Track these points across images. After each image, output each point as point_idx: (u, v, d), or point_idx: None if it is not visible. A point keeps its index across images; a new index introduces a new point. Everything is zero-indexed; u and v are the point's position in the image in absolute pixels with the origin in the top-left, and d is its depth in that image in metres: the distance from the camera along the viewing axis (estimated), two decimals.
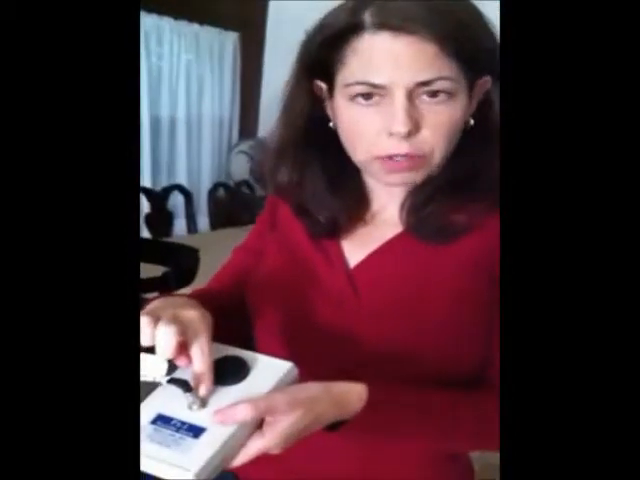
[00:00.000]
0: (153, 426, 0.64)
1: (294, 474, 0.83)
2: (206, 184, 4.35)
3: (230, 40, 4.46)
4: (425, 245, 0.80)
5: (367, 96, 0.73)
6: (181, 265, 1.89)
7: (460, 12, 0.72)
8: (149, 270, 2.01)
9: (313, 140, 0.82)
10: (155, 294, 2.10)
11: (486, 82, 0.77)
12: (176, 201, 4.09)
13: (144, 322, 0.63)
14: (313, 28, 0.77)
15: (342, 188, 0.84)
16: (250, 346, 0.91)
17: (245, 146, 4.34)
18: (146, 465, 0.60)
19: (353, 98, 0.75)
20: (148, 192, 3.80)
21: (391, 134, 0.73)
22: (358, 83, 0.73)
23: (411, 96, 0.72)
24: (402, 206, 0.82)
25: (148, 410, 0.65)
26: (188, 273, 1.87)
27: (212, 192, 4.13)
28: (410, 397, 0.74)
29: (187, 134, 4.34)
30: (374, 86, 0.72)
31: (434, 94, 0.72)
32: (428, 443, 0.80)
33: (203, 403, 0.65)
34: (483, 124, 0.78)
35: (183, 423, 0.64)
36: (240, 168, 4.31)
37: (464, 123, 0.77)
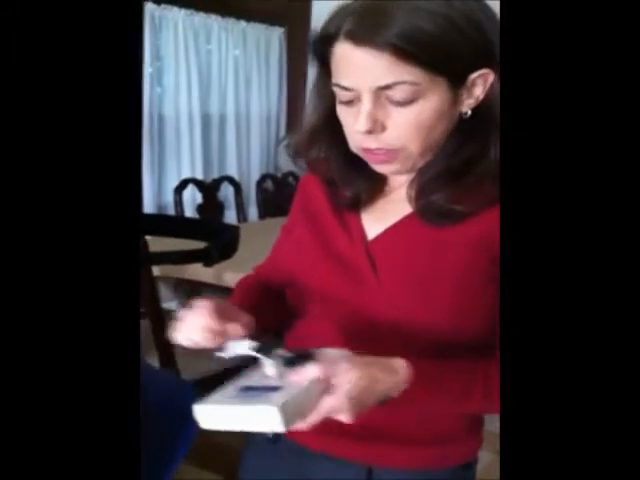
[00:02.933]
0: (241, 393, 0.75)
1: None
2: (255, 176, 4.46)
3: (276, 35, 4.54)
4: (431, 226, 0.86)
5: (348, 102, 0.82)
6: (222, 240, 2.07)
7: (426, 19, 0.75)
8: (195, 245, 2.18)
9: (338, 127, 0.89)
10: (199, 265, 2.25)
11: (485, 75, 0.81)
12: (227, 192, 4.24)
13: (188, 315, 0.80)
14: (313, 32, 0.85)
15: (364, 167, 0.91)
16: None
17: None
18: (235, 423, 0.72)
19: (339, 101, 0.84)
20: (200, 184, 3.95)
21: (358, 131, 0.82)
22: (335, 85, 0.82)
23: (378, 99, 0.79)
24: (408, 192, 0.89)
25: (237, 383, 0.77)
26: (229, 247, 2.05)
27: (260, 183, 4.25)
28: (434, 370, 0.81)
29: (236, 129, 4.45)
30: (345, 89, 0.81)
31: (397, 99, 0.78)
32: (446, 408, 0.88)
33: (281, 376, 0.76)
34: (484, 114, 0.83)
35: (264, 387, 0.75)
36: (287, 160, 4.37)
37: (457, 114, 0.83)
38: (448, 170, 0.85)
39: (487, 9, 0.80)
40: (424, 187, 0.86)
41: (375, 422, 0.85)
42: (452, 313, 0.83)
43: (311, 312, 0.94)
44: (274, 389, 0.73)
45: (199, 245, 2.12)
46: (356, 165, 0.91)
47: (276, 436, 0.96)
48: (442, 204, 0.84)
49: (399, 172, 0.88)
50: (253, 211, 4.43)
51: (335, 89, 0.83)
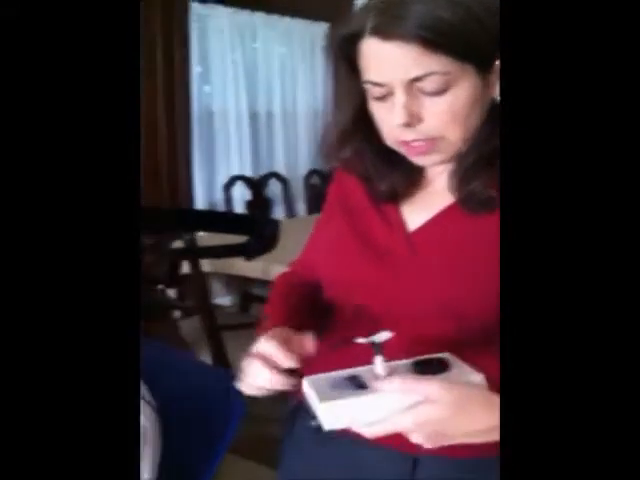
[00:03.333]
0: (343, 379, 0.75)
1: None
2: (302, 172, 4.50)
3: (321, 31, 4.55)
4: (473, 215, 0.86)
5: (381, 97, 0.83)
6: (263, 235, 2.10)
7: (446, 10, 0.77)
8: (236, 240, 2.22)
9: (370, 125, 0.89)
10: (241, 259, 2.28)
11: None
12: (275, 188, 4.28)
13: (255, 364, 0.80)
14: (331, 31, 0.87)
15: (399, 161, 0.91)
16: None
17: None
18: (310, 401, 0.74)
19: (371, 97, 0.85)
20: (248, 180, 4.01)
21: (395, 125, 0.82)
22: (366, 82, 0.83)
23: (410, 92, 0.80)
24: (449, 182, 0.89)
25: (352, 371, 0.77)
26: (268, 241, 2.08)
27: (307, 179, 4.29)
28: None
29: (284, 125, 4.49)
30: (377, 84, 0.82)
31: (430, 89, 0.79)
32: None
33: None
34: None
35: (360, 382, 0.73)
36: None
37: (490, 99, 0.83)
38: (484, 156, 0.85)
39: None
40: (465, 175, 0.86)
41: None
42: (486, 297, 0.82)
43: (349, 303, 0.94)
44: (357, 387, 0.73)
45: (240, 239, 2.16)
46: (390, 159, 0.91)
47: (320, 425, 0.98)
48: (481, 191, 0.85)
49: (439, 162, 0.88)
50: (301, 207, 4.46)
51: (367, 86, 0.84)
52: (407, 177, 0.93)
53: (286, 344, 0.81)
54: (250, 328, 0.81)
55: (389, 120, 0.83)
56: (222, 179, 4.10)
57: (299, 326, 0.87)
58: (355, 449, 0.94)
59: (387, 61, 0.80)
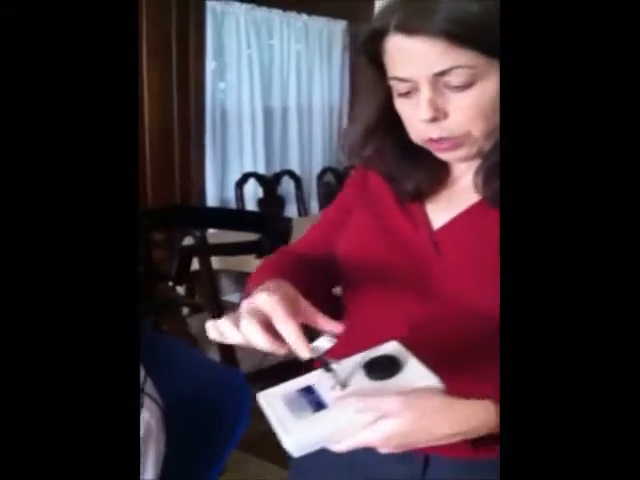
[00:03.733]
0: (297, 394, 0.74)
1: None
2: (317, 170, 4.49)
3: (338, 29, 4.55)
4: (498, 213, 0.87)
5: (406, 93, 0.83)
6: (275, 232, 2.11)
7: (473, 4, 0.77)
8: (247, 237, 2.21)
9: (394, 123, 0.89)
10: (253, 256, 2.30)
11: None
12: (288, 186, 4.27)
13: (226, 326, 0.71)
14: (361, 30, 0.86)
15: (423, 159, 0.91)
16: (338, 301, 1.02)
17: None
18: (274, 424, 0.71)
19: (397, 94, 0.85)
20: (260, 178, 4.00)
21: (421, 121, 0.82)
22: (391, 78, 0.83)
23: (436, 87, 0.80)
24: (475, 179, 0.88)
25: (304, 381, 0.76)
26: (280, 238, 2.09)
27: (321, 177, 4.27)
28: None
29: (298, 123, 4.49)
30: (402, 80, 0.82)
31: (455, 84, 0.79)
32: None
33: (343, 386, 0.72)
34: None
35: (317, 398, 0.72)
36: None
37: None
38: None
39: None
40: (490, 173, 0.86)
41: None
42: None
43: (371, 299, 0.94)
44: (316, 406, 0.72)
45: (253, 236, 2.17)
46: (414, 157, 0.92)
47: None
48: None
49: (465, 159, 0.87)
50: (314, 205, 4.45)
51: (392, 82, 0.84)
52: (432, 176, 0.93)
53: (292, 305, 0.73)
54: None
55: (415, 116, 0.83)
56: (235, 176, 4.09)
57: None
58: (365, 448, 0.93)
59: (412, 56, 0.80)
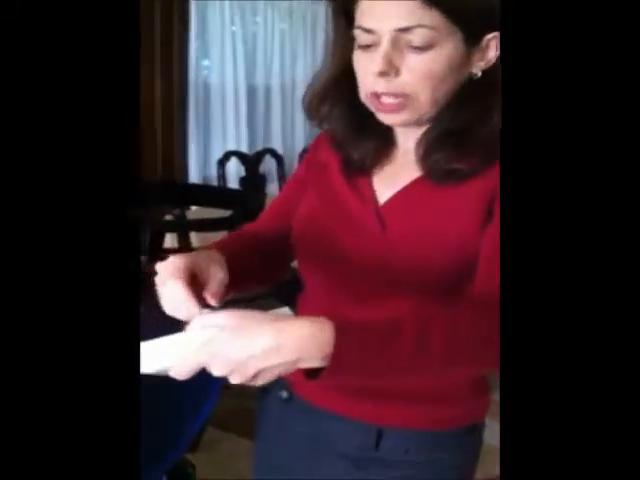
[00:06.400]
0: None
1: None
2: (299, 149, 4.50)
3: (323, 9, 4.53)
4: (439, 187, 0.89)
5: (367, 46, 0.85)
6: (247, 208, 2.13)
7: None
8: (221, 213, 2.23)
9: (350, 81, 0.91)
10: (224, 233, 2.33)
11: (497, 38, 0.84)
12: (271, 165, 4.28)
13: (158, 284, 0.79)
14: None
15: (371, 129, 0.93)
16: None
17: None
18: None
19: (357, 46, 0.86)
20: (242, 156, 4.00)
21: (373, 73, 0.84)
22: (357, 27, 0.85)
23: (396, 43, 0.82)
24: (416, 152, 0.91)
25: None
26: (252, 215, 2.11)
27: (302, 155, 4.28)
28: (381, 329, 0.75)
29: (282, 101, 4.48)
30: (367, 31, 0.84)
31: (415, 43, 0.81)
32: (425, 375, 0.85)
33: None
34: (490, 77, 0.85)
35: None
36: None
37: (467, 74, 0.86)
38: (451, 130, 0.88)
39: None
40: (430, 147, 0.89)
41: None
42: (453, 262, 0.87)
43: (318, 270, 0.97)
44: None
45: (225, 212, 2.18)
46: (363, 125, 0.94)
47: (289, 396, 1.00)
48: (446, 163, 0.87)
49: (406, 123, 0.89)
50: None
51: (356, 33, 0.86)
52: (379, 146, 0.95)
53: (201, 271, 0.81)
54: (238, 303, 0.79)
55: (368, 69, 0.85)
56: (218, 154, 4.09)
57: (238, 266, 0.89)
58: (322, 419, 0.97)
59: (382, 9, 0.82)
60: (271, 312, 0.76)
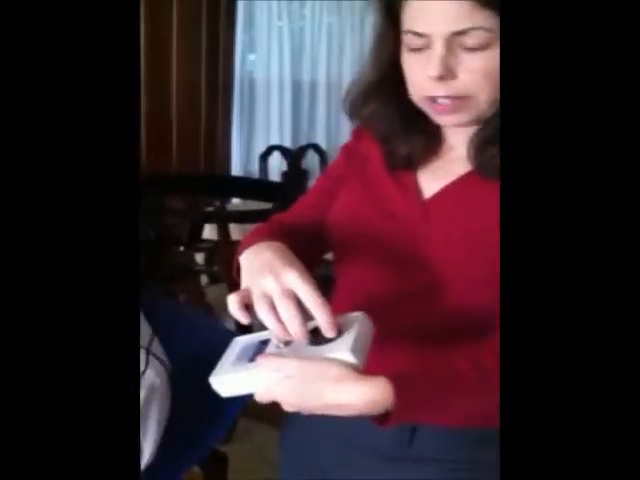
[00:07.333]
0: (255, 344, 0.80)
1: None
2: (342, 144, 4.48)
3: (371, 4, 4.50)
4: (490, 183, 0.85)
5: (418, 49, 0.82)
6: (288, 201, 2.12)
7: None
8: (262, 206, 2.22)
9: (396, 82, 0.89)
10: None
11: None
12: (314, 161, 4.27)
13: (235, 309, 0.77)
14: None
15: (419, 126, 0.91)
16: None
17: None
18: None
19: (407, 48, 0.84)
20: (285, 151, 4.00)
21: (429, 77, 0.81)
22: (407, 31, 0.82)
23: (450, 46, 0.80)
24: (468, 147, 0.89)
25: (267, 334, 0.80)
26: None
27: None
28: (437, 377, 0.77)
29: (327, 96, 4.47)
30: (418, 35, 0.81)
31: (470, 45, 0.79)
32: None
33: (286, 344, 0.77)
34: None
35: (261, 351, 0.78)
36: None
37: None
38: None
39: None
40: (486, 142, 0.86)
41: None
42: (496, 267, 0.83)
43: (359, 267, 0.95)
44: (250, 360, 0.78)
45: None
46: (411, 122, 0.92)
47: None
48: (498, 158, 0.84)
49: (462, 124, 0.87)
50: None
51: (406, 37, 0.84)
52: (426, 143, 0.93)
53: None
54: None
55: (422, 72, 0.83)
56: (261, 149, 4.10)
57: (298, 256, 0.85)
58: (353, 418, 0.95)
59: (434, 12, 0.80)
60: (344, 317, 0.79)
